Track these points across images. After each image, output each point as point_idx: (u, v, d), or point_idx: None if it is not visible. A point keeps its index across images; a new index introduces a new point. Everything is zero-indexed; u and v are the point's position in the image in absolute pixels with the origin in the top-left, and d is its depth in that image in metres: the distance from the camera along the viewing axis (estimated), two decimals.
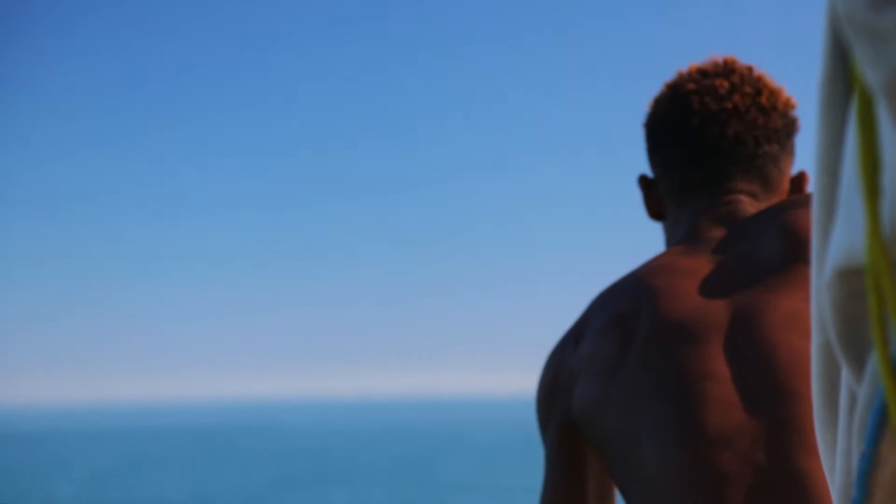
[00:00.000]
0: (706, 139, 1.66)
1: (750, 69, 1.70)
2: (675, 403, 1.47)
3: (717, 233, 1.63)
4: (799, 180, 1.72)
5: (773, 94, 1.69)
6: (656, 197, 1.74)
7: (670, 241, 1.73)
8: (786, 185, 1.71)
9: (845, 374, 0.65)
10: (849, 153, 0.61)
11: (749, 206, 1.66)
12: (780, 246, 1.54)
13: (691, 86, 1.69)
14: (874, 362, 0.61)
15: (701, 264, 1.60)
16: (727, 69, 1.70)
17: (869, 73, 0.58)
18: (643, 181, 1.76)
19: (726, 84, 1.67)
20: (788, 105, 1.70)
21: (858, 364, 0.63)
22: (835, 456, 0.69)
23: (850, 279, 0.61)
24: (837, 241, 0.61)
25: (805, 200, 1.59)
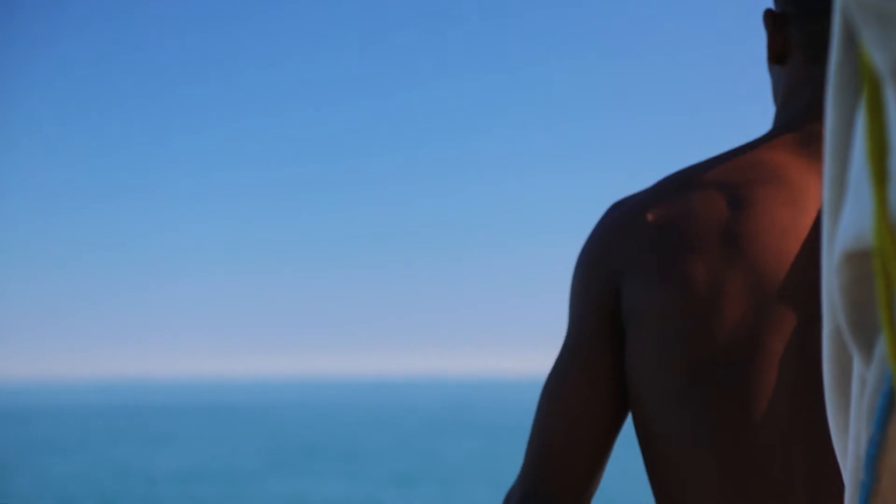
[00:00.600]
0: None
1: None
2: (724, 399, 1.30)
3: None
4: None
5: None
6: (783, 39, 1.48)
7: (787, 102, 1.48)
8: None
9: (856, 360, 0.65)
10: (858, 138, 0.61)
11: None
12: None
13: None
14: (882, 346, 0.62)
15: (814, 183, 1.37)
16: None
17: (877, 56, 0.58)
18: (770, 16, 1.49)
19: None
20: None
21: (867, 348, 0.63)
22: (847, 441, 0.69)
23: (858, 263, 0.61)
24: (846, 224, 0.61)
25: None
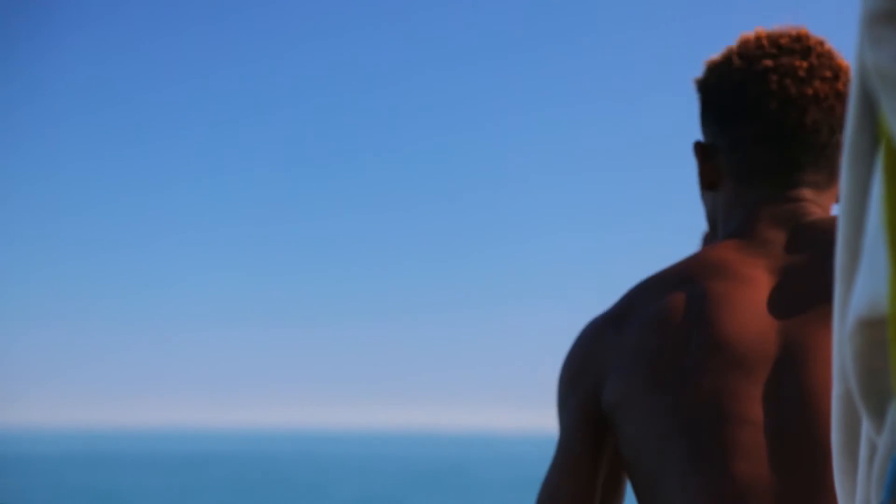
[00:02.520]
0: (783, 125, 1.56)
1: (822, 44, 1.60)
2: (704, 441, 1.40)
3: (778, 236, 1.55)
4: None
5: (847, 77, 1.59)
6: (714, 168, 1.63)
7: (724, 223, 1.63)
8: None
9: (866, 425, 0.65)
10: (874, 203, 0.62)
11: (812, 202, 1.57)
12: (830, 274, 1.43)
13: (768, 62, 1.58)
14: (894, 413, 0.62)
15: (759, 272, 1.51)
16: (804, 47, 1.59)
17: (895, 124, 0.59)
18: (701, 149, 1.65)
19: (805, 65, 1.57)
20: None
21: (878, 415, 0.63)
22: None
23: (872, 329, 0.62)
24: (861, 290, 0.61)
25: None
